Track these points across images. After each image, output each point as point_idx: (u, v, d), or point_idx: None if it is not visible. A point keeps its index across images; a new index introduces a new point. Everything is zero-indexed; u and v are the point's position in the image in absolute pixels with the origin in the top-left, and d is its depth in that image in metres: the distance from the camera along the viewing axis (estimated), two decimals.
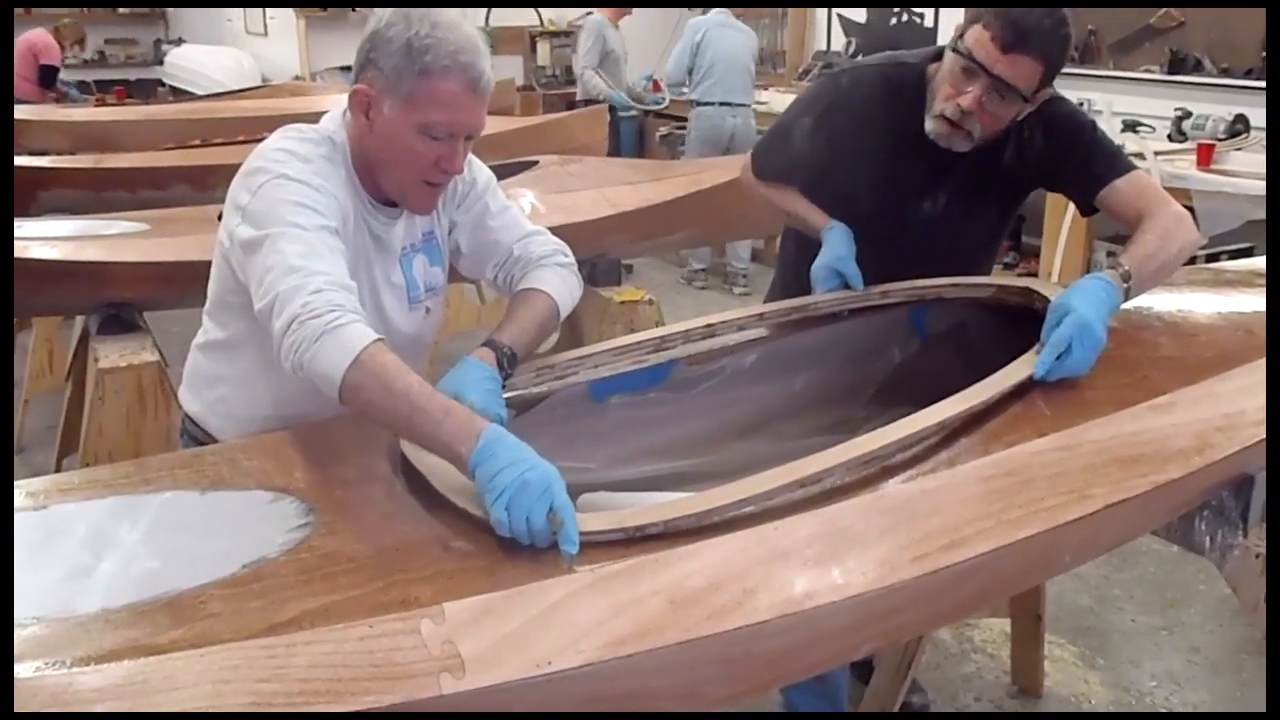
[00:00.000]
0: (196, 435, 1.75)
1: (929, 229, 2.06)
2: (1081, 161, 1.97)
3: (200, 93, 7.74)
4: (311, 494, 1.39)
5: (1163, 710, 2.64)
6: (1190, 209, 4.84)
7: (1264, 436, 1.59)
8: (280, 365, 1.41)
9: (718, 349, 1.90)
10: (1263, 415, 1.61)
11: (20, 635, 1.07)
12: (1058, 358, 1.61)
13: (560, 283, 1.80)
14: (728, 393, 1.94)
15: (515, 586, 1.17)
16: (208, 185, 4.15)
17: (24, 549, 1.22)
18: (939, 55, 1.96)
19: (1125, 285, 1.71)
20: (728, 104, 6.11)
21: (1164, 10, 5.58)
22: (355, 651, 1.07)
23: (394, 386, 1.34)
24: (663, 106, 7.18)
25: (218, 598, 1.15)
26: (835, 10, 7.88)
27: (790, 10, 8.08)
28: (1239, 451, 1.58)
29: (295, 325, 1.38)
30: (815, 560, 1.25)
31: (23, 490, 1.37)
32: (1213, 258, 3.61)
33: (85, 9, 10.42)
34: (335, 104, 1.66)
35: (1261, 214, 4.50)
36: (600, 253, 3.44)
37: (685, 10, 7.03)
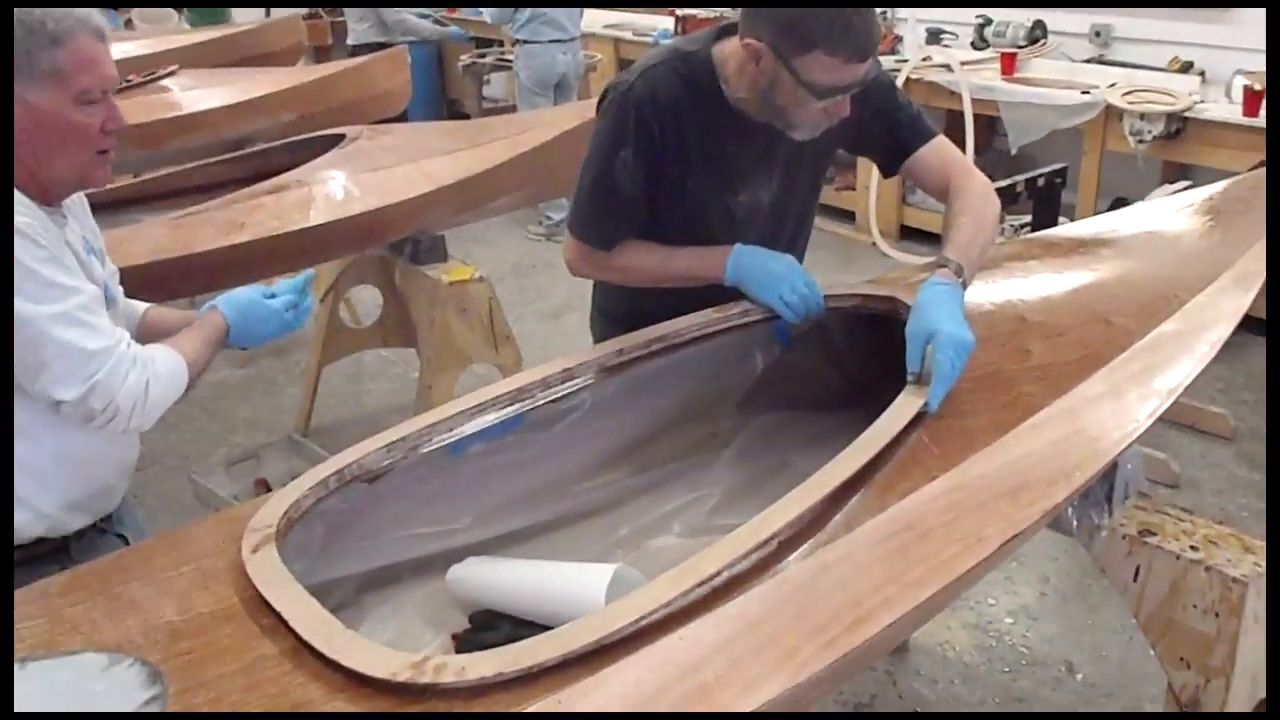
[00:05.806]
0: None
1: (770, 213, 1.96)
2: (886, 127, 1.93)
3: None
4: (152, 648, 1.22)
5: (1018, 645, 2.75)
6: (998, 120, 5.00)
7: (1136, 438, 1.61)
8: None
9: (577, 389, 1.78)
10: (1132, 416, 1.63)
11: None
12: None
13: None
14: (590, 425, 1.83)
15: None
16: None
17: None
18: (719, 35, 1.83)
19: (961, 279, 1.72)
20: (558, 41, 5.68)
21: None
22: None
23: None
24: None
25: None
26: None
27: None
28: (1114, 458, 1.59)
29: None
30: (727, 669, 1.17)
31: None
32: (1031, 182, 3.67)
33: None
34: None
35: (1066, 124, 4.64)
36: (421, 230, 3.24)
37: None
